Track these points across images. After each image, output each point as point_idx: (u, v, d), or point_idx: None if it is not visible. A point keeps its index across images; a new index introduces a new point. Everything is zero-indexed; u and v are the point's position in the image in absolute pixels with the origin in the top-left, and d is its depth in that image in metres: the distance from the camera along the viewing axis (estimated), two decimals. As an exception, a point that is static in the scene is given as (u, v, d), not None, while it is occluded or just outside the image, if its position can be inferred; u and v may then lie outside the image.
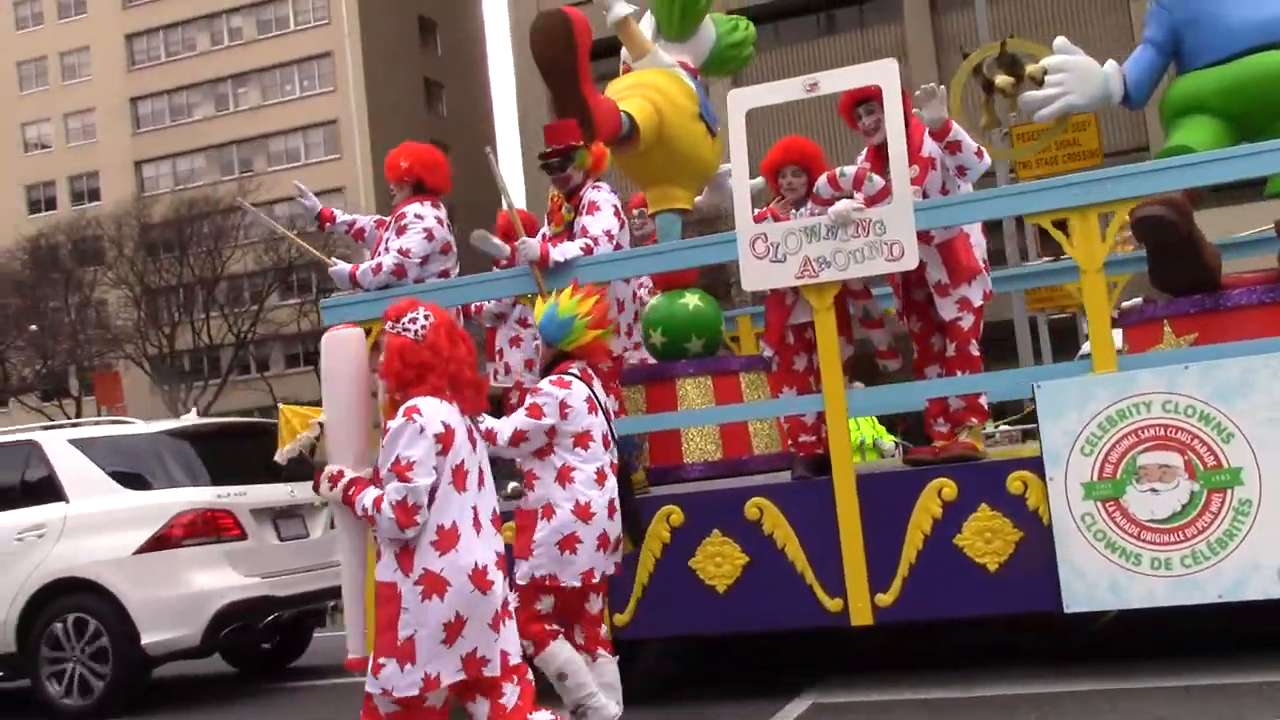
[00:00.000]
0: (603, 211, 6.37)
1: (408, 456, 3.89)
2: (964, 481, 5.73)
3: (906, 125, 5.97)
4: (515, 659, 4.06)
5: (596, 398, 5.25)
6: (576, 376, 5.24)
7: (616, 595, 6.11)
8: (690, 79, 7.57)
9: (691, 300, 7.31)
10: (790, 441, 6.51)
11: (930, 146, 6.06)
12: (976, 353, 6.09)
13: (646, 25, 7.95)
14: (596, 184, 6.52)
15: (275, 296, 47.88)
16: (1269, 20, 6.26)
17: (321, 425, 4.48)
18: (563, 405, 5.10)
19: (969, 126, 6.94)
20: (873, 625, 5.80)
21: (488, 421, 5.07)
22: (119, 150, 58.93)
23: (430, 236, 6.55)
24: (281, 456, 4.55)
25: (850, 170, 5.95)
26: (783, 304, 6.18)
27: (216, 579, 7.63)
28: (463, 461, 4.00)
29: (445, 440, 3.95)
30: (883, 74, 5.93)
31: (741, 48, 8.12)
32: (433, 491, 3.92)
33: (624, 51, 7.80)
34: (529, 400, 5.16)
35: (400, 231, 6.59)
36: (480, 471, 4.11)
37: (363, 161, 54.27)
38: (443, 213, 6.75)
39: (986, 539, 5.67)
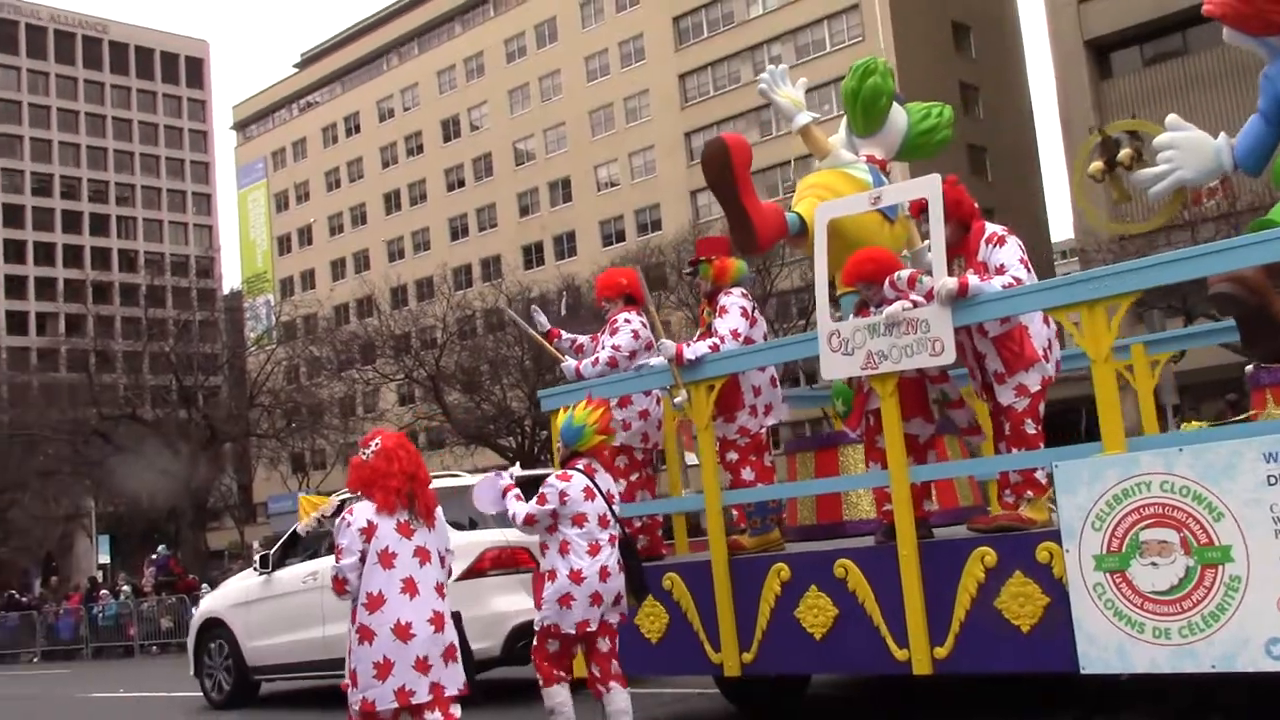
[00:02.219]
0: (730, 314, 7.61)
1: (339, 544, 5.64)
2: (1002, 550, 6.40)
3: (966, 231, 6.74)
4: (449, 691, 5.60)
5: (596, 486, 6.63)
6: (580, 470, 6.65)
7: (743, 637, 7.31)
8: (868, 171, 8.49)
9: (868, 373, 8.25)
10: (878, 510, 7.36)
11: (984, 252, 6.74)
12: (1032, 431, 6.67)
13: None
14: (729, 290, 7.75)
15: (825, 313, 49.68)
16: (1364, 87, 6.34)
17: (337, 507, 6.25)
18: (562, 495, 6.56)
19: (1100, 207, 7.45)
20: (931, 675, 6.61)
21: (513, 506, 6.58)
22: (676, 182, 64.21)
23: (636, 336, 8.10)
24: (300, 529, 6.35)
25: (905, 274, 6.77)
26: (862, 391, 7.08)
27: (513, 602, 9.54)
28: (387, 547, 5.59)
29: (368, 533, 5.58)
30: (927, 189, 6.72)
31: (933, 134, 8.88)
32: (365, 565, 5.55)
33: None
34: (540, 490, 6.60)
35: (613, 332, 8.18)
36: (422, 551, 5.64)
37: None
38: (645, 319, 8.24)
39: (1020, 603, 6.30)
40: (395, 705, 5.50)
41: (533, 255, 68.75)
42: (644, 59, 66.34)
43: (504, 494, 6.78)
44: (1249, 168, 6.91)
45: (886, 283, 6.84)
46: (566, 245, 67.82)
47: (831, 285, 8.86)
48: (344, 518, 5.69)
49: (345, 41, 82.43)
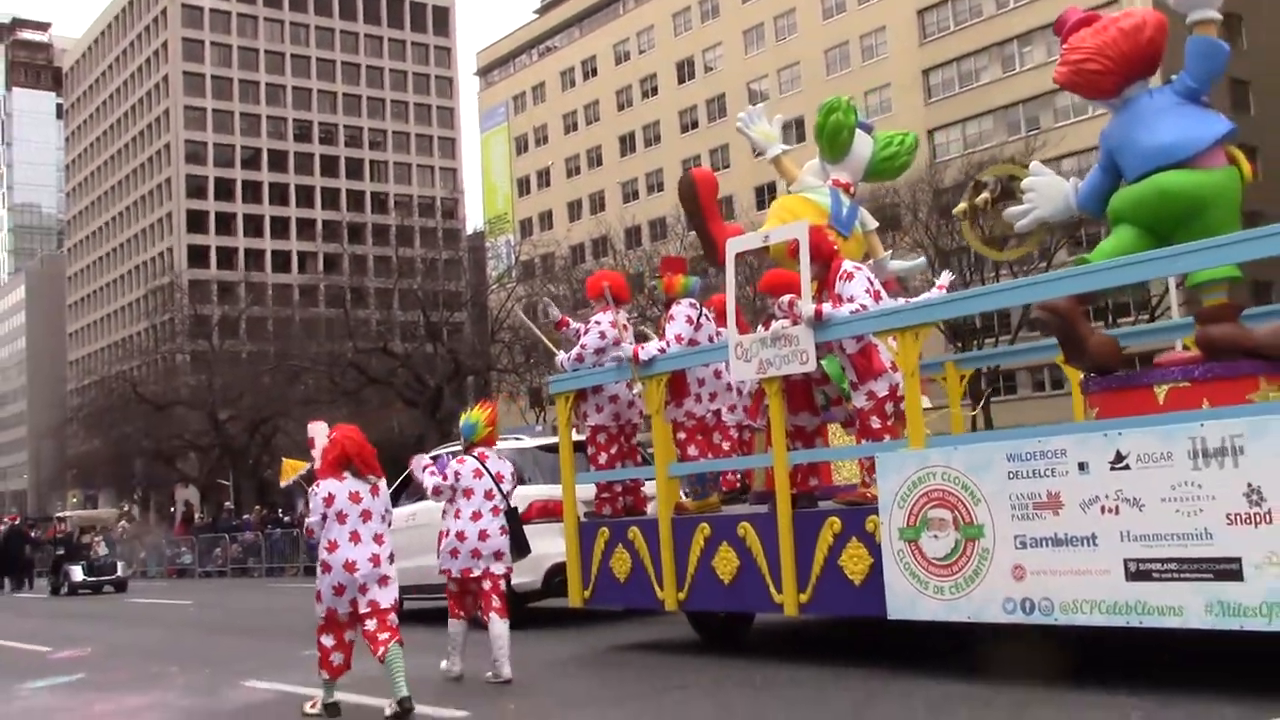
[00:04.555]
0: (676, 320, 9.43)
1: (311, 507, 7.82)
2: (844, 519, 8.08)
3: (827, 268, 8.38)
4: (384, 605, 7.73)
5: (485, 468, 8.73)
6: (474, 457, 8.82)
7: (679, 580, 9.18)
8: (828, 195, 10.04)
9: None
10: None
11: (839, 285, 8.34)
12: (876, 426, 8.26)
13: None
14: (679, 300, 9.55)
15: (1063, 253, 45.98)
16: (1164, 146, 7.60)
17: (309, 471, 8.40)
18: (456, 474, 8.71)
19: (985, 239, 8.92)
20: (797, 616, 8.36)
21: (425, 479, 8.69)
22: (913, 120, 63.32)
23: (603, 336, 9.98)
24: (282, 484, 8.58)
25: (785, 299, 8.41)
26: (760, 390, 8.79)
27: (552, 544, 11.55)
28: (341, 510, 7.77)
29: (328, 500, 7.79)
30: (798, 232, 8.38)
31: (894, 159, 10.34)
32: (325, 521, 7.77)
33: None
34: (445, 468, 8.73)
35: (585, 332, 10.11)
36: (365, 513, 7.79)
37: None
38: (620, 317, 10.07)
39: (854, 562, 7.98)
40: (349, 611, 7.75)
41: (764, 195, 69.95)
42: (882, -5, 66.16)
43: (423, 469, 8.93)
44: (1089, 210, 8.24)
45: (775, 305, 8.52)
46: (798, 184, 68.56)
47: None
48: (312, 489, 7.92)
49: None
